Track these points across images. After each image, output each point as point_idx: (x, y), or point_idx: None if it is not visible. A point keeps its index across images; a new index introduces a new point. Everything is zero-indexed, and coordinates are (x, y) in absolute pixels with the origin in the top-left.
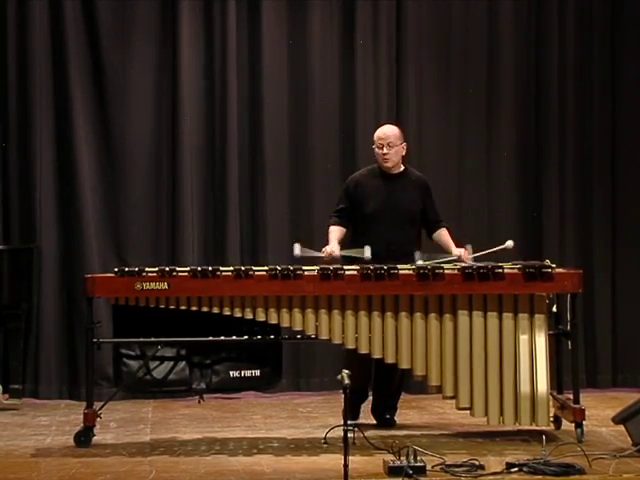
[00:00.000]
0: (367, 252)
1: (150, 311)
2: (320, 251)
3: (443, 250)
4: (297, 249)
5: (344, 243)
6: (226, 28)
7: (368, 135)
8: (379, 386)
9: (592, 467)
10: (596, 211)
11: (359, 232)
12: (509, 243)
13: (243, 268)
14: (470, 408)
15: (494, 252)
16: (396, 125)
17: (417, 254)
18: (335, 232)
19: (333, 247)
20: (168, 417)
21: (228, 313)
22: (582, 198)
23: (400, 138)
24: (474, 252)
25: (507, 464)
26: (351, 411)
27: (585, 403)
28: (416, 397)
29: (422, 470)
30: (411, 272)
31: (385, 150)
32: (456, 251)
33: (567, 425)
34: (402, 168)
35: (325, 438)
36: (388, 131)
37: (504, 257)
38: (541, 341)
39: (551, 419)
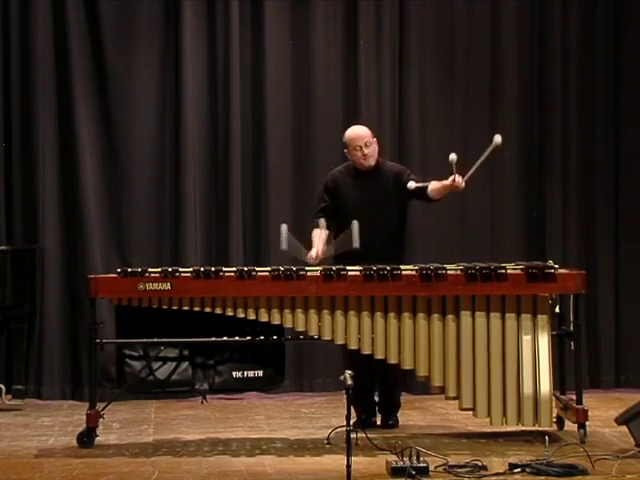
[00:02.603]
0: (355, 240)
1: (153, 312)
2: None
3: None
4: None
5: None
6: (229, 28)
7: None
8: (380, 384)
9: (595, 468)
10: (599, 212)
11: (340, 231)
12: (497, 139)
13: (246, 269)
14: (473, 409)
15: (487, 158)
16: (363, 125)
17: (411, 182)
18: (317, 237)
19: (317, 251)
20: (171, 418)
21: (231, 314)
22: (585, 198)
23: (372, 135)
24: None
25: (510, 465)
26: (364, 411)
27: (588, 404)
28: (419, 398)
29: (425, 471)
30: (414, 273)
31: (365, 151)
32: (449, 180)
33: (570, 426)
34: (374, 162)
35: (328, 439)
36: (361, 132)
37: (506, 256)
38: (544, 342)
39: (554, 420)
